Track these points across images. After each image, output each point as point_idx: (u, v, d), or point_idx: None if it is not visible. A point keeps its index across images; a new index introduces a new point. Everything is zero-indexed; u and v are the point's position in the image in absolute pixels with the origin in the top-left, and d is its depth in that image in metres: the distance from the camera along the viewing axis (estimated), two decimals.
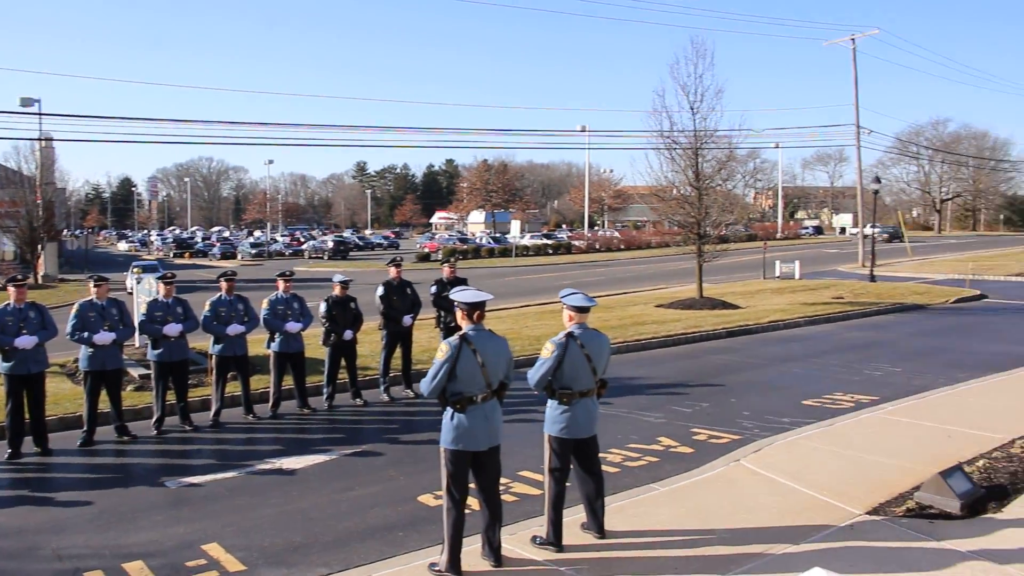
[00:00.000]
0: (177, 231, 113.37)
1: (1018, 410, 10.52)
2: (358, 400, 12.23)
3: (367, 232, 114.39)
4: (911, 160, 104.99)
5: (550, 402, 6.56)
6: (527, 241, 69.64)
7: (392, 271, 12.91)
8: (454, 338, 6.08)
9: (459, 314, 6.23)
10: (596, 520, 6.63)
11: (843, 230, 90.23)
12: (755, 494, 7.60)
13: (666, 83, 42.49)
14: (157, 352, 10.82)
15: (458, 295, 6.26)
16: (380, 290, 12.70)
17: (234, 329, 11.28)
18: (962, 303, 25.66)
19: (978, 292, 27.65)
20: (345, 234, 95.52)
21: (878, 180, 36.95)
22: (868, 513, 7.04)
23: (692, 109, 23.49)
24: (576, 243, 68.72)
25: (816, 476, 8.02)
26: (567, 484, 6.55)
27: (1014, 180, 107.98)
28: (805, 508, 7.20)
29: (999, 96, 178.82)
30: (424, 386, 6.10)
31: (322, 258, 65.40)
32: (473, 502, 6.30)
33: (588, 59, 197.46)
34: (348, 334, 12.11)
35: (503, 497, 6.55)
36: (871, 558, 6.06)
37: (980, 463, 8.14)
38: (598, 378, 6.56)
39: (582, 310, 6.51)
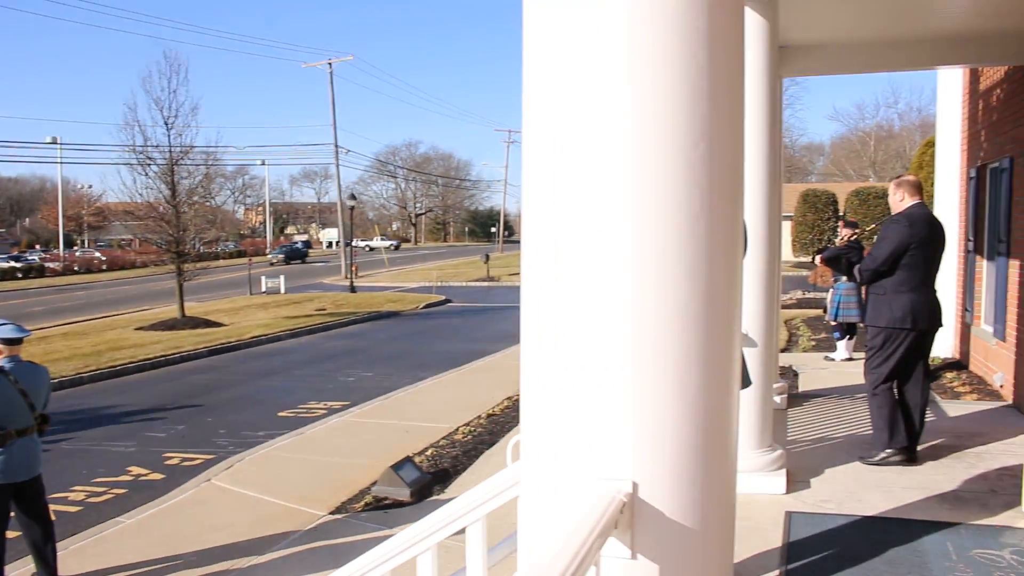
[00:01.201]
0: None
1: (465, 401, 11.89)
2: None
3: None
4: (389, 178, 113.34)
5: None
6: None
7: None
8: None
9: None
10: (47, 568, 6.14)
11: (330, 244, 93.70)
12: (226, 512, 7.66)
13: (139, 96, 40.84)
14: None
15: None
16: None
17: None
18: (430, 308, 28.32)
19: (444, 297, 30.78)
20: None
21: (353, 197, 39.25)
22: (332, 513, 7.47)
23: (167, 124, 23.06)
24: (51, 265, 62.41)
25: (286, 485, 8.30)
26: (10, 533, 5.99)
27: (475, 197, 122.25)
28: (274, 518, 7.43)
29: (460, 123, 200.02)
30: None
31: None
32: None
33: (59, 66, 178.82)
34: None
35: None
36: (331, 555, 6.45)
37: (429, 452, 9.11)
38: (38, 413, 6.09)
39: (13, 342, 6.01)
